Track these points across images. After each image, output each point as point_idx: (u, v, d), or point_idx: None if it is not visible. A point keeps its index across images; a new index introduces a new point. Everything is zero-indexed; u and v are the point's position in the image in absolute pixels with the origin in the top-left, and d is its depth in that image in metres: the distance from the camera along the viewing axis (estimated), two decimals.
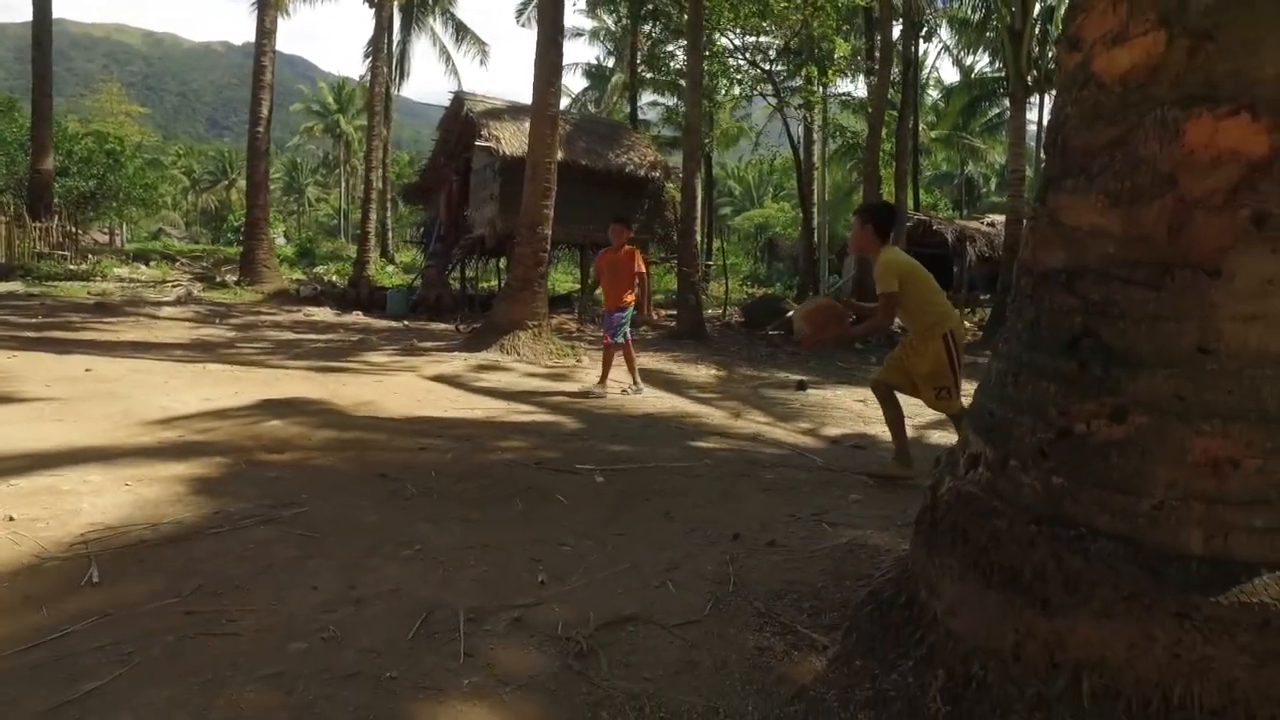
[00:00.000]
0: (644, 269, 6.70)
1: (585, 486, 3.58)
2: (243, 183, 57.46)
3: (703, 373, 8.88)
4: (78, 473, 3.29)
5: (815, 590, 2.42)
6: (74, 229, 18.20)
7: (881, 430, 5.76)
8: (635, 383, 6.81)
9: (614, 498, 3.44)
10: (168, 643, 1.97)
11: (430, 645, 2.02)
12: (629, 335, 6.79)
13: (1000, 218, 20.02)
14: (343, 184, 51.13)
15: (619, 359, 6.95)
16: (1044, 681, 1.62)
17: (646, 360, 9.65)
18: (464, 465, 3.83)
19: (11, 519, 2.72)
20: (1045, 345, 1.78)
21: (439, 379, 7.26)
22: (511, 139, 13.03)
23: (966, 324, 19.02)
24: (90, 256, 17.72)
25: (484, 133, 12.99)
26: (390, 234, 28.19)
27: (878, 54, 22.26)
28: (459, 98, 14.72)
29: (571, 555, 2.70)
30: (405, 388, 6.44)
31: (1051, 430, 1.71)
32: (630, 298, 6.60)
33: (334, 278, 18.36)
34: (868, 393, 7.90)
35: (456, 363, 8.39)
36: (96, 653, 1.90)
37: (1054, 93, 1.89)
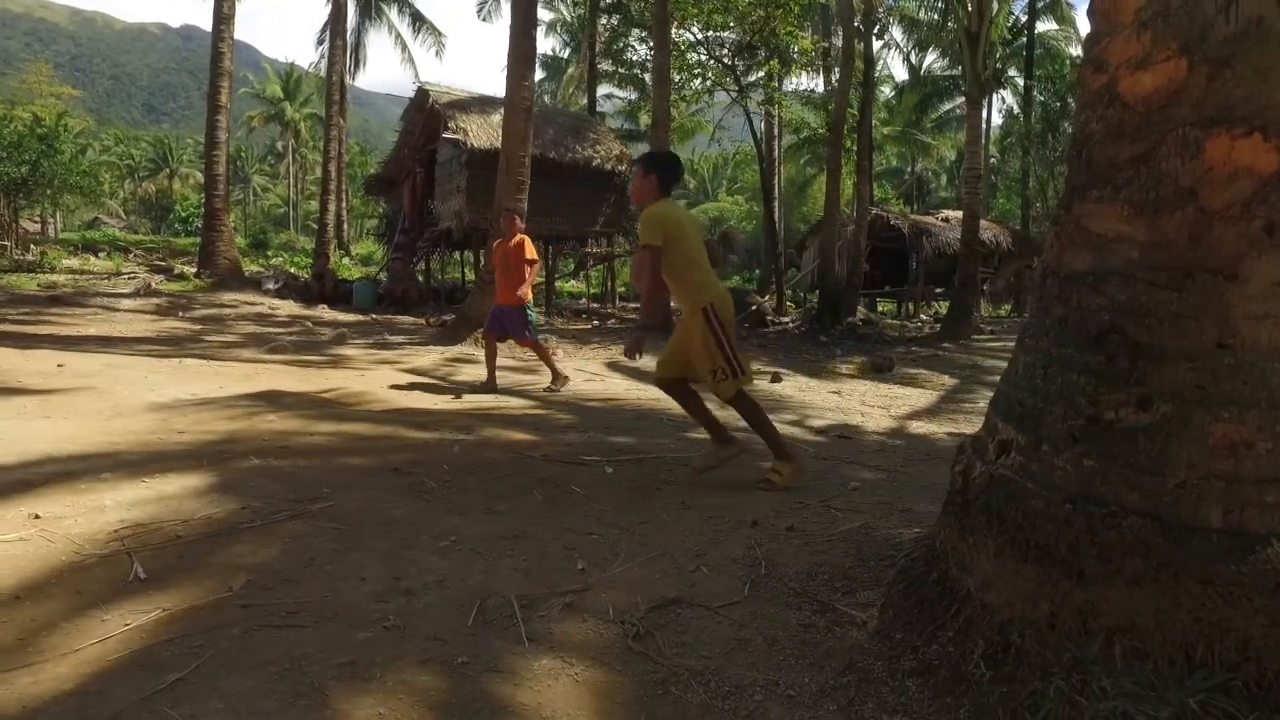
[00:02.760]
0: (534, 256, 6.42)
1: (597, 477, 3.68)
2: (185, 171, 55.64)
3: None
4: (90, 469, 3.25)
5: (843, 571, 2.57)
6: (14, 219, 17.39)
7: (862, 420, 6.00)
8: (490, 380, 6.42)
9: (627, 487, 3.54)
10: (234, 635, 2.01)
11: (492, 632, 2.10)
12: (494, 334, 6.51)
13: (954, 213, 20.66)
14: (291, 174, 49.79)
15: (507, 349, 6.75)
16: (1078, 646, 1.79)
17: (619, 354, 9.76)
18: (473, 458, 3.89)
19: (37, 516, 2.69)
20: (1074, 340, 1.94)
21: (420, 372, 7.26)
22: (479, 131, 12.95)
23: (923, 316, 19.62)
24: (33, 247, 16.96)
25: (451, 125, 12.88)
26: (345, 226, 27.63)
27: (835, 53, 22.71)
28: (423, 90, 14.53)
29: (602, 543, 2.80)
30: (389, 381, 6.43)
31: (1082, 417, 1.88)
32: (525, 290, 6.31)
33: (291, 269, 17.95)
34: (840, 384, 8.20)
35: (434, 356, 8.38)
36: (167, 646, 1.93)
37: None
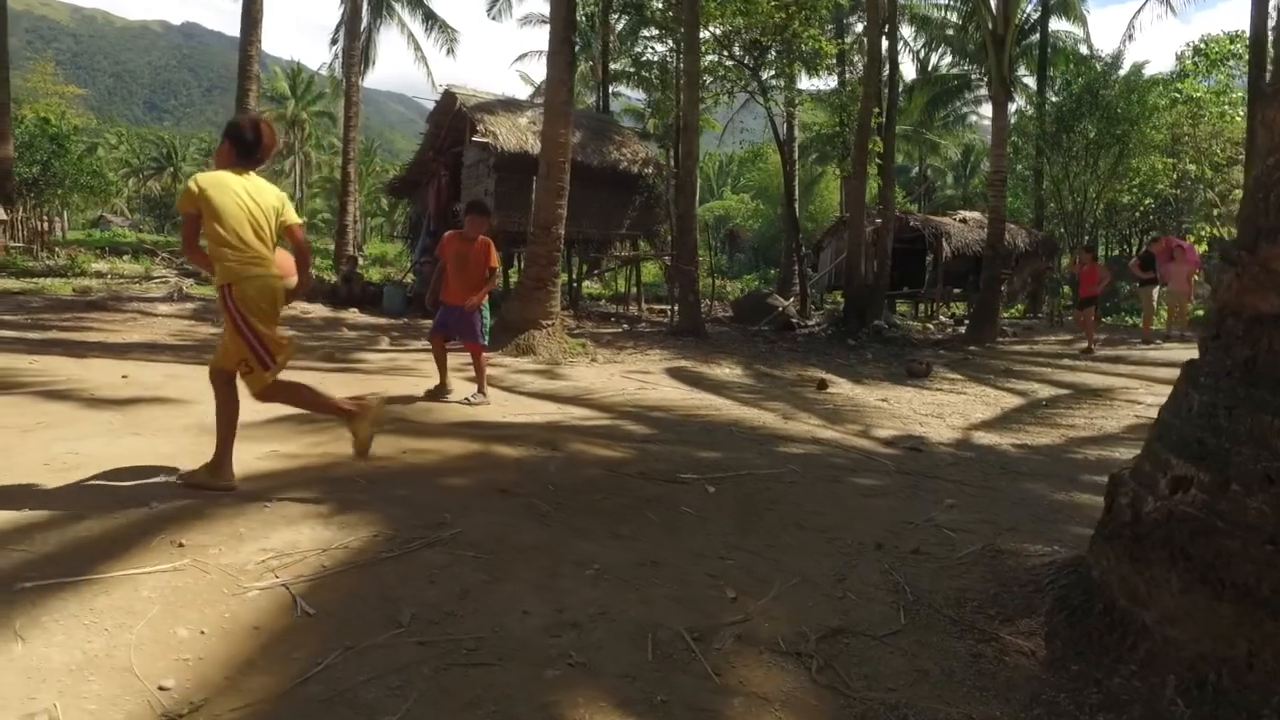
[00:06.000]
0: (496, 264, 6.03)
1: (701, 496, 3.70)
2: (189, 169, 55.49)
3: (724, 371, 9.04)
4: (208, 493, 3.27)
5: (990, 597, 2.59)
6: (40, 222, 17.37)
7: (923, 429, 6.02)
8: (443, 384, 6.07)
9: (734, 507, 3.57)
10: (426, 674, 2.02)
11: (675, 666, 2.12)
12: (441, 334, 6.05)
13: (971, 213, 20.67)
14: (297, 171, 49.74)
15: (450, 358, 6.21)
16: None
17: (658, 360, 9.78)
18: (573, 478, 3.90)
19: (181, 545, 2.71)
20: (1265, 382, 1.96)
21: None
22: (508, 134, 12.95)
23: (942, 318, 19.63)
24: (58, 249, 16.96)
25: (480, 128, 12.87)
26: (360, 226, 27.64)
27: (848, 53, 22.68)
28: (450, 93, 14.53)
29: (739, 569, 2.82)
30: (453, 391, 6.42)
31: (1278, 459, 1.90)
32: (480, 296, 5.94)
33: (312, 271, 17.96)
34: (884, 390, 8.22)
35: None
36: (367, 686, 1.95)
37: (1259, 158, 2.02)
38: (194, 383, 5.98)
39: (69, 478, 3.41)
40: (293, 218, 3.51)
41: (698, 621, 2.37)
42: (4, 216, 5.65)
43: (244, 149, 3.35)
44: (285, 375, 3.55)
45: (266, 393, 3.41)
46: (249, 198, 3.30)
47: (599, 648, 2.20)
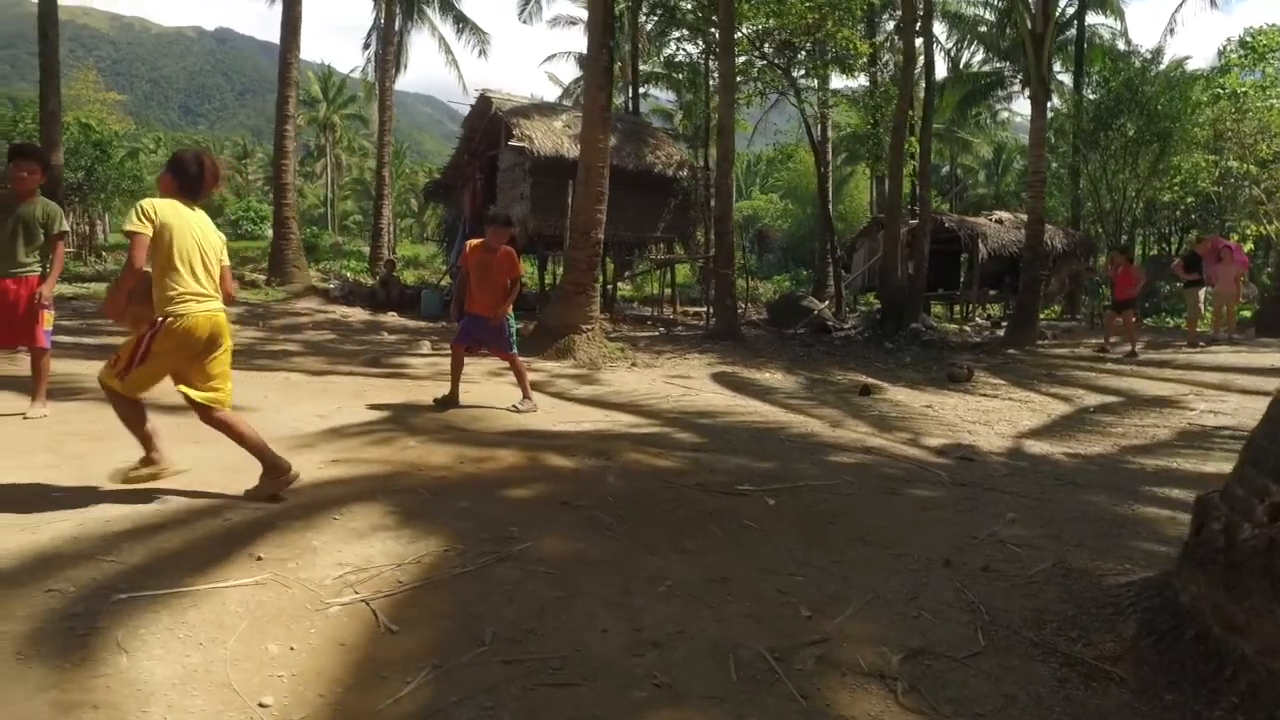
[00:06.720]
0: (519, 273, 6.12)
1: (761, 509, 3.68)
2: (222, 172, 56.58)
3: (766, 376, 9.01)
4: (277, 505, 3.33)
5: (1069, 618, 2.55)
6: (86, 226, 17.83)
7: (972, 438, 5.95)
8: (454, 393, 6.03)
9: (795, 521, 3.55)
10: (515, 694, 2.04)
11: (760, 689, 2.12)
12: (464, 344, 6.11)
13: (1006, 214, 20.38)
14: (329, 174, 50.44)
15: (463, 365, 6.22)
16: None
17: (698, 365, 9.77)
18: (631, 490, 3.91)
19: (259, 558, 2.76)
20: None
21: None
22: (544, 139, 13.01)
23: (978, 320, 19.37)
24: (104, 254, 17.39)
25: (516, 132, 12.94)
26: (393, 229, 27.96)
27: (884, 51, 22.46)
28: (485, 97, 14.64)
29: (810, 586, 2.80)
30: (496, 397, 6.47)
31: None
32: (505, 307, 5.99)
33: (348, 273, 18.22)
34: (928, 396, 8.13)
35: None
36: (459, 707, 1.96)
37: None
38: (243, 389, 6.05)
39: (143, 487, 3.50)
40: (226, 262, 3.58)
41: (776, 641, 2.37)
42: (65, 227, 5.80)
43: (187, 183, 3.35)
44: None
45: (108, 390, 3.36)
46: (199, 230, 3.37)
47: (682, 668, 2.20)
